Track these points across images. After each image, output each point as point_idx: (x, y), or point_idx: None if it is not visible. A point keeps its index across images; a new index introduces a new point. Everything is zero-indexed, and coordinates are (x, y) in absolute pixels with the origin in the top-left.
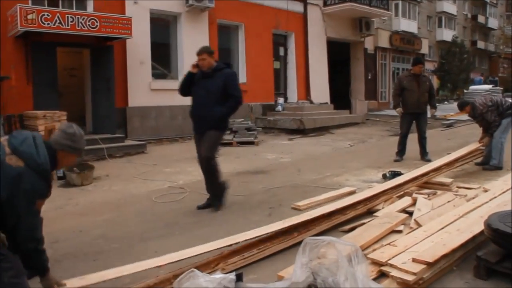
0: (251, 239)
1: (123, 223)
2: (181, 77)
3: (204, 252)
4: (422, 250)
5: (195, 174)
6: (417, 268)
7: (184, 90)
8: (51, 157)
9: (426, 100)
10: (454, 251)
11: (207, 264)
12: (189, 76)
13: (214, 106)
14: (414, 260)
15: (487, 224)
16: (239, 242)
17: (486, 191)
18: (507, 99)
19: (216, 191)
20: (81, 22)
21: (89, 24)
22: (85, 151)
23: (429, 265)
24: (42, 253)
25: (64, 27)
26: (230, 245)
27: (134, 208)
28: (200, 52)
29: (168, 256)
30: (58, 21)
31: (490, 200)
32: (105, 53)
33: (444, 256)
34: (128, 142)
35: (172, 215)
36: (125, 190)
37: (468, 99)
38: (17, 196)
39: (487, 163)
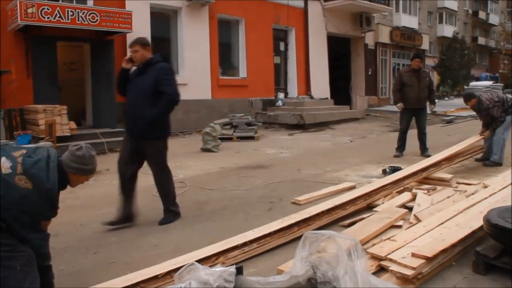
0: (249, 241)
1: None
2: (181, 72)
3: (205, 257)
4: (421, 245)
5: (195, 168)
6: (416, 262)
7: (120, 88)
8: (63, 178)
9: (426, 95)
10: (453, 246)
11: (208, 258)
12: (123, 73)
13: (145, 106)
14: (413, 255)
15: (486, 219)
16: (238, 245)
17: (485, 187)
18: (508, 95)
19: (168, 205)
20: (81, 16)
21: (89, 18)
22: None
23: (428, 259)
24: (48, 269)
25: (64, 21)
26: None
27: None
28: (132, 44)
29: (168, 263)
30: (58, 15)
31: (490, 196)
32: (105, 47)
33: (443, 251)
34: None
35: None
36: None
37: (474, 92)
38: (21, 217)
39: (487, 159)
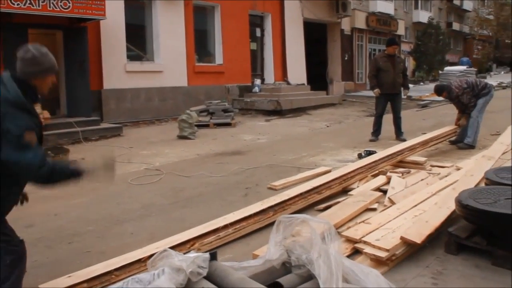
0: (230, 223)
1: (99, 206)
2: (157, 59)
3: (186, 240)
4: (398, 226)
5: (172, 156)
6: (390, 244)
7: None
8: (27, 88)
9: (401, 80)
10: (437, 229)
11: (183, 244)
12: None
13: None
14: (402, 238)
15: (458, 200)
16: (219, 228)
17: (458, 169)
18: (478, 79)
19: None
20: (52, 3)
21: (61, 5)
22: (59, 135)
23: (417, 245)
24: (57, 169)
25: (34, 7)
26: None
27: (110, 190)
28: None
29: (151, 247)
30: (28, 2)
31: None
32: (78, 34)
33: (429, 235)
34: (103, 125)
35: (148, 196)
36: None
37: (444, 83)
38: (4, 138)
39: (461, 141)
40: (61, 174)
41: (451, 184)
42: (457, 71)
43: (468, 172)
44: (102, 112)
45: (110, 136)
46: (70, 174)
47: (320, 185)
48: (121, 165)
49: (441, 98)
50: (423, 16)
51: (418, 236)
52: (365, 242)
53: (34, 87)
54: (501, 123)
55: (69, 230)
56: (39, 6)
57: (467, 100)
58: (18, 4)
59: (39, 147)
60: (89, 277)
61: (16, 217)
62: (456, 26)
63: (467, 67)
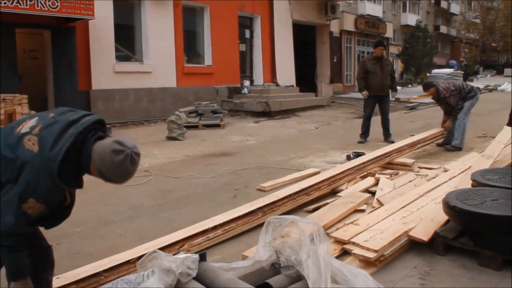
0: (218, 225)
1: (87, 207)
2: (146, 59)
3: (176, 241)
4: (386, 227)
5: (161, 157)
6: (378, 245)
7: None
8: (84, 169)
9: (389, 83)
10: (442, 226)
11: (172, 245)
12: None
13: None
14: (409, 237)
15: (445, 202)
16: (208, 229)
17: (446, 171)
18: (468, 83)
19: None
20: (40, 2)
21: (49, 4)
22: None
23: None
24: (14, 257)
25: (22, 7)
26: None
27: (98, 191)
28: None
29: (140, 248)
30: (16, 1)
31: (450, 179)
32: (67, 34)
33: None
34: None
35: (137, 197)
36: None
37: (433, 82)
38: (9, 183)
39: (448, 143)
40: (13, 263)
41: (439, 185)
42: (444, 74)
43: (469, 171)
44: None
45: None
46: (15, 271)
47: (309, 187)
48: None
49: (429, 100)
50: (411, 19)
51: (425, 234)
52: (353, 243)
53: (87, 172)
54: (487, 125)
55: (57, 231)
56: (26, 5)
57: (454, 102)
58: (5, 3)
59: (27, 224)
60: (77, 278)
61: None
62: (443, 29)
63: (454, 70)
